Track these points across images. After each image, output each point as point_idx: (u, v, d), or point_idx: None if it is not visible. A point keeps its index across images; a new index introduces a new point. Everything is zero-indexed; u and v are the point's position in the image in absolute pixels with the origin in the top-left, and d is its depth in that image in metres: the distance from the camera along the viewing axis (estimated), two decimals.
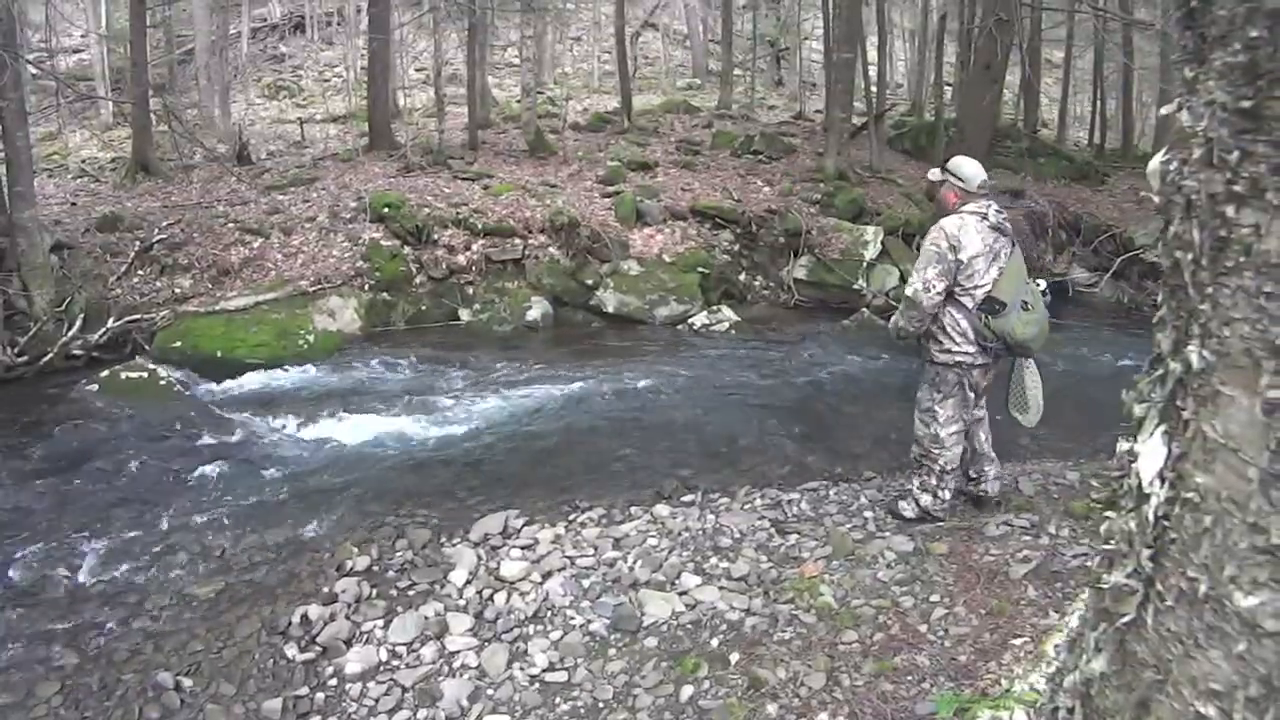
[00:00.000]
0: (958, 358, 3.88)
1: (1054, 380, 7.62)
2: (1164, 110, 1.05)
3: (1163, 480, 1.05)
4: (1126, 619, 1.09)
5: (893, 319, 4.00)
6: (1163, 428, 1.06)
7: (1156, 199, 1.06)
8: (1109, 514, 1.16)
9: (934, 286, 3.77)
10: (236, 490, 5.13)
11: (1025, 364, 4.10)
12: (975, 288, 3.80)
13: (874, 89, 16.11)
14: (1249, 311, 0.94)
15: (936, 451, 4.04)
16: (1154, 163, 1.07)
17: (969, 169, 3.93)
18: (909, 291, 3.83)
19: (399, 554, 4.28)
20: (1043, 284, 4.06)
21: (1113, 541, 1.13)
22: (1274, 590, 0.91)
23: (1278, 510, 0.91)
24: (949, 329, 3.87)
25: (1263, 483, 0.92)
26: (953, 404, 3.98)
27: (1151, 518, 1.05)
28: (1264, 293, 0.92)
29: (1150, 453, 1.07)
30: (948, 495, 4.16)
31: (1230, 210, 0.95)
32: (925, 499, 4.15)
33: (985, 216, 3.83)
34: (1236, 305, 0.95)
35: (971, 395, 4.03)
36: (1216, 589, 0.97)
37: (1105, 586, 1.12)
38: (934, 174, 4.09)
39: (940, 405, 3.99)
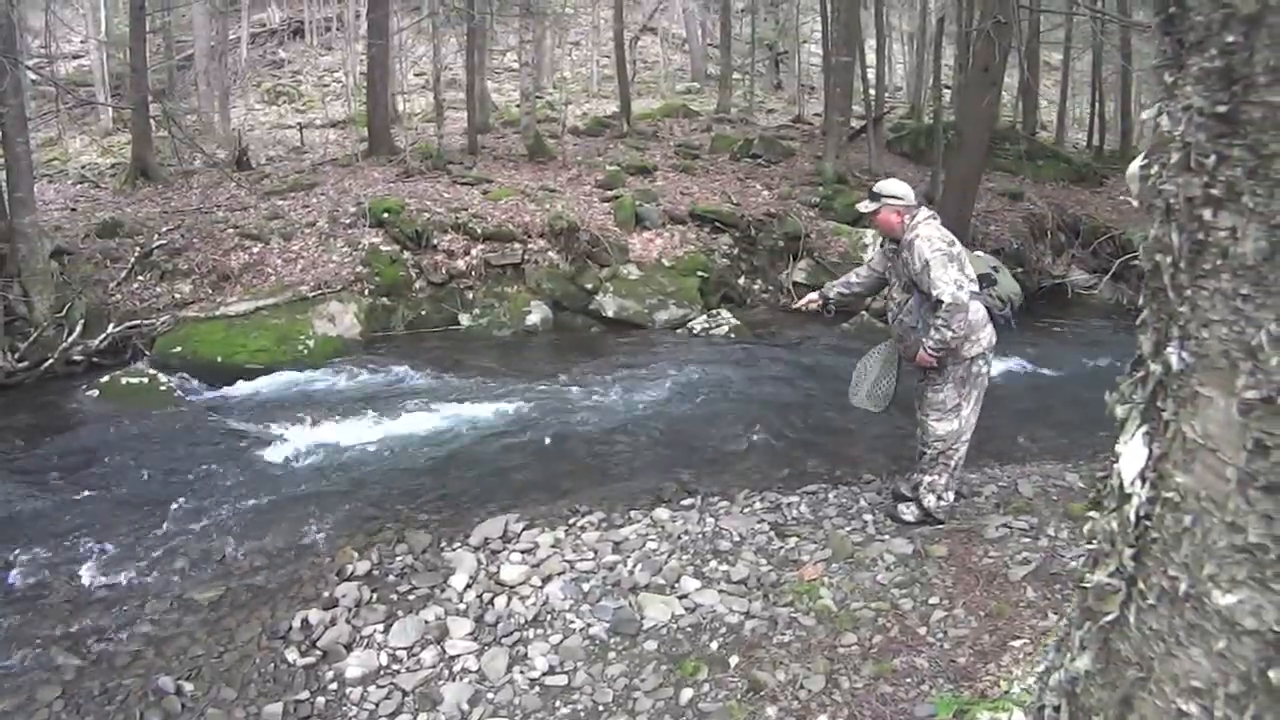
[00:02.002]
0: (983, 344, 4.02)
1: (1053, 382, 7.69)
2: (1144, 115, 1.06)
3: (1144, 480, 1.06)
4: (1110, 617, 1.11)
5: (935, 338, 3.84)
6: (1144, 428, 1.08)
7: (1136, 203, 1.08)
8: (1092, 514, 1.17)
9: (964, 284, 3.86)
10: (236, 495, 5.14)
11: (880, 350, 4.40)
12: (970, 274, 3.99)
13: (872, 92, 16.15)
14: (1226, 313, 0.95)
15: (957, 445, 4.11)
16: (1133, 167, 1.08)
17: (902, 187, 4.09)
18: (948, 300, 3.76)
19: (399, 558, 4.29)
20: (976, 252, 4.47)
21: (1096, 541, 1.15)
22: (1252, 588, 0.92)
23: (1255, 509, 0.92)
24: (971, 320, 3.96)
25: (1240, 482, 0.93)
26: (977, 394, 4.09)
27: (1133, 517, 1.06)
28: (1240, 295, 0.93)
29: (1131, 453, 1.08)
30: (951, 497, 4.21)
31: (1207, 214, 0.96)
32: (930, 500, 4.18)
33: (936, 217, 4.07)
34: (1214, 307, 0.96)
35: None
36: (1196, 587, 0.98)
37: (1089, 585, 1.14)
38: (866, 206, 4.14)
39: (966, 399, 4.07)
